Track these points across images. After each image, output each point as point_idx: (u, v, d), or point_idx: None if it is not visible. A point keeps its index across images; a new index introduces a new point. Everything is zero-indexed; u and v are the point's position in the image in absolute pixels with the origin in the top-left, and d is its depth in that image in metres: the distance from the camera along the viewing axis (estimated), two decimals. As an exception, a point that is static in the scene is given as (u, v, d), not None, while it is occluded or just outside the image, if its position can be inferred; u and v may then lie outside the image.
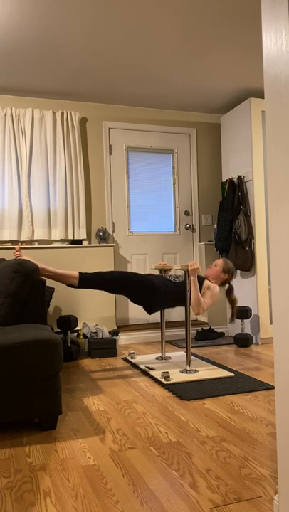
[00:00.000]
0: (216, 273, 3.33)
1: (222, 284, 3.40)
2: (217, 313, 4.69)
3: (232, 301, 3.39)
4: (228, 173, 4.59)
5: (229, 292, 3.40)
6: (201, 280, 3.31)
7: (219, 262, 3.37)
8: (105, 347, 3.77)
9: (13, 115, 4.18)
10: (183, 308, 4.74)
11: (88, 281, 3.10)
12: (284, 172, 1.18)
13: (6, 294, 2.49)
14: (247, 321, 4.31)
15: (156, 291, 3.15)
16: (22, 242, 4.22)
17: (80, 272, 3.12)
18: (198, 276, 3.33)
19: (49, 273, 3.07)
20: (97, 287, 3.12)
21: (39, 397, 2.05)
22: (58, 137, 4.30)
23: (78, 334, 3.99)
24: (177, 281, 3.28)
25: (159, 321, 4.52)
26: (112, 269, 4.27)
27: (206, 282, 3.29)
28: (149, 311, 3.25)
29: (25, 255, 3.21)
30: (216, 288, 3.25)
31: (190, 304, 3.09)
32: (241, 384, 2.76)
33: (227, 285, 3.42)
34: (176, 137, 4.85)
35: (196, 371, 3.07)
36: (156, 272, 4.71)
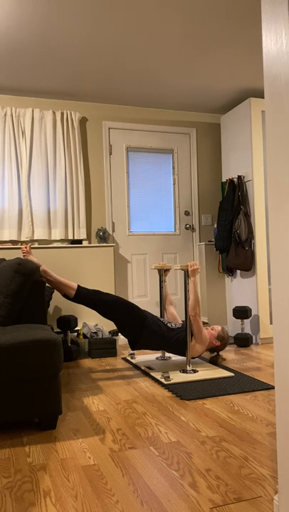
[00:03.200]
0: (210, 336, 3.29)
1: (210, 350, 3.36)
2: (217, 313, 4.69)
3: (213, 362, 3.35)
4: (228, 173, 4.59)
5: (214, 358, 3.36)
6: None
7: (218, 328, 3.35)
8: (105, 347, 3.77)
9: (13, 115, 4.18)
10: (183, 308, 4.74)
11: (85, 296, 3.08)
12: (284, 172, 1.18)
13: (6, 293, 2.49)
14: (247, 321, 4.31)
15: (146, 327, 3.12)
16: (22, 242, 4.22)
17: (79, 285, 3.11)
18: None
19: (50, 277, 3.07)
20: (91, 305, 3.09)
21: (39, 397, 2.05)
22: (58, 137, 4.30)
23: (78, 334, 3.99)
24: (170, 326, 3.22)
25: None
26: (112, 279, 4.26)
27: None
28: (133, 346, 3.20)
29: (31, 255, 3.21)
30: (207, 340, 3.19)
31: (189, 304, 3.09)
32: (241, 384, 2.76)
33: (215, 353, 3.40)
34: (176, 137, 4.85)
35: (196, 371, 3.07)
36: (156, 272, 4.71)
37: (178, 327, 3.23)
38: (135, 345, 3.19)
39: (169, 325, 3.23)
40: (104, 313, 3.10)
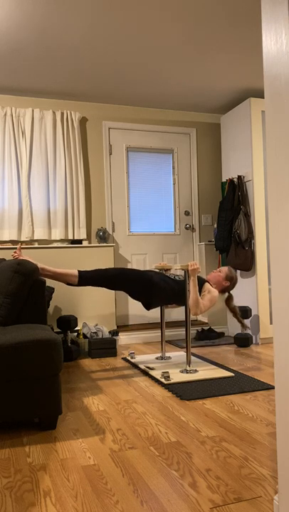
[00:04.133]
0: (219, 278, 3.33)
1: (222, 291, 3.39)
2: (217, 313, 4.69)
3: (232, 310, 3.38)
4: (228, 173, 4.59)
5: (229, 300, 3.39)
6: (201, 282, 3.31)
7: (224, 269, 3.38)
8: (105, 347, 3.77)
9: (13, 115, 4.18)
10: (183, 307, 4.74)
11: (88, 279, 3.11)
12: (284, 172, 1.18)
13: (5, 293, 2.49)
14: (247, 321, 4.31)
15: (154, 286, 3.16)
16: (22, 242, 4.22)
17: (79, 270, 3.12)
18: (200, 279, 3.33)
19: (48, 272, 3.07)
20: (96, 284, 3.13)
21: (39, 397, 2.05)
22: (58, 137, 4.30)
23: (78, 334, 3.99)
24: (177, 279, 3.29)
25: (159, 320, 4.52)
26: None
27: (207, 285, 3.28)
28: (148, 307, 3.25)
29: (25, 255, 3.21)
30: (216, 292, 3.24)
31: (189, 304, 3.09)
32: (241, 384, 2.77)
33: (226, 293, 3.42)
34: (176, 137, 4.85)
35: (196, 371, 3.07)
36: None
37: (183, 278, 3.28)
38: (150, 305, 3.24)
39: (176, 278, 3.30)
40: (110, 287, 3.15)
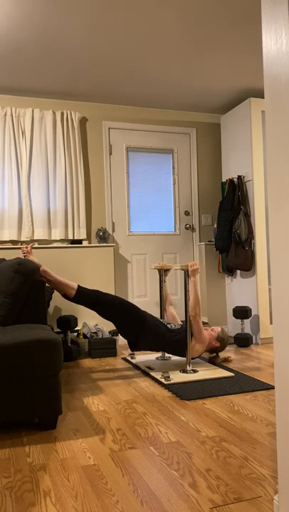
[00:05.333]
0: (210, 337, 3.28)
1: (210, 350, 3.36)
2: (217, 313, 4.69)
3: (213, 363, 3.35)
4: (228, 173, 4.59)
5: (213, 359, 3.37)
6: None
7: (218, 328, 3.35)
8: (105, 347, 3.77)
9: (13, 115, 4.18)
10: (183, 308, 4.74)
11: (84, 295, 3.06)
12: (284, 172, 1.18)
13: (6, 293, 2.49)
14: (247, 321, 4.31)
15: (145, 329, 3.10)
16: (22, 242, 4.22)
17: (79, 285, 3.10)
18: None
19: (50, 277, 3.06)
20: (90, 306, 3.08)
21: (39, 397, 2.05)
22: (58, 137, 4.30)
23: (78, 334, 3.99)
24: (169, 327, 3.21)
25: (159, 321, 4.52)
26: (112, 279, 4.26)
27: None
28: (133, 347, 3.19)
29: (32, 255, 3.21)
30: (206, 339, 3.20)
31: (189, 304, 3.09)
32: (241, 384, 2.76)
33: (214, 354, 3.39)
34: (176, 137, 4.85)
35: (196, 371, 3.07)
36: (156, 272, 4.71)
37: (177, 328, 3.22)
38: (135, 346, 3.18)
39: (168, 326, 3.22)
40: (104, 314, 3.09)
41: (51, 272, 3.08)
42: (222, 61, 3.68)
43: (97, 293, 3.10)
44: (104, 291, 4.22)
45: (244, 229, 4.16)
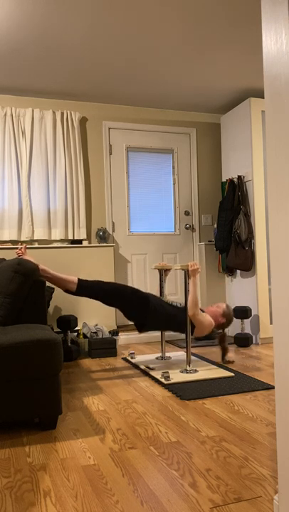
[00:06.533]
0: (216, 313, 3.31)
1: (217, 327, 3.37)
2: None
3: (223, 349, 3.38)
4: (228, 173, 4.59)
5: (222, 340, 3.38)
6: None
7: (223, 305, 3.37)
8: (105, 347, 3.77)
9: (13, 115, 4.18)
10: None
11: (86, 288, 3.07)
12: (284, 172, 1.19)
13: (5, 293, 2.49)
14: (247, 321, 4.31)
15: (150, 309, 3.12)
16: (22, 242, 4.22)
17: (79, 278, 3.10)
18: None
19: (49, 275, 3.06)
20: (93, 296, 3.09)
21: (39, 397, 2.05)
22: (58, 137, 4.30)
23: (78, 334, 3.99)
24: (174, 305, 3.25)
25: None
26: (112, 279, 4.27)
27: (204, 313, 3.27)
28: (141, 328, 3.20)
29: (27, 255, 3.21)
30: (212, 322, 3.22)
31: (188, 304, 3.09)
32: (241, 384, 2.77)
33: (221, 331, 3.40)
34: (176, 137, 4.85)
35: (196, 371, 3.07)
36: (156, 272, 4.71)
37: (183, 306, 3.25)
38: (143, 327, 3.20)
39: (173, 304, 3.27)
40: (106, 301, 3.12)
41: (49, 269, 3.08)
42: (222, 61, 3.68)
43: (98, 283, 3.11)
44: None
45: (244, 229, 4.16)
